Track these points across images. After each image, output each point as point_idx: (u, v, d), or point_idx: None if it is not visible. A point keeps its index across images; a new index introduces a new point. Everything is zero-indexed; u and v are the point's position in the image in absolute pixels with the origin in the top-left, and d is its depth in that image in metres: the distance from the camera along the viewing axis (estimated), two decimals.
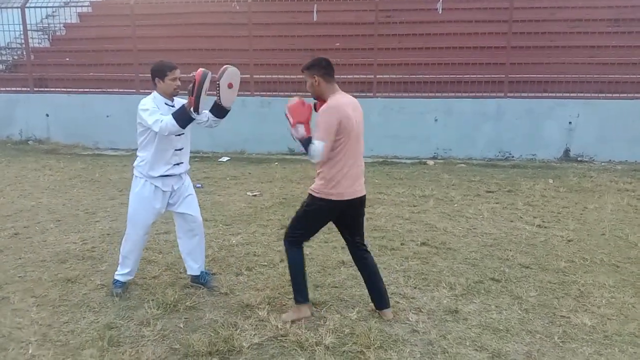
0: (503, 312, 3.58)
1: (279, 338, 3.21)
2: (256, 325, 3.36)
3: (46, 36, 12.62)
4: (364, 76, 9.56)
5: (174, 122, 3.42)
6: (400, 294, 3.83)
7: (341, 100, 3.24)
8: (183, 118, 3.44)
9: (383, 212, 5.86)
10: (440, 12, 10.73)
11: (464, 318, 3.48)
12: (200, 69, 3.47)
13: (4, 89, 10.84)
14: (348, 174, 3.26)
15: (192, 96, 3.41)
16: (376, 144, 9.10)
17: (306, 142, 3.20)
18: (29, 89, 10.59)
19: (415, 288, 3.94)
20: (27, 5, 10.52)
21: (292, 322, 3.37)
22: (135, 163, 3.74)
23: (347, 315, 3.48)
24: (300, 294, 3.44)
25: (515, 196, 6.56)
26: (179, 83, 3.63)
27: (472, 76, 9.32)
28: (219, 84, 3.53)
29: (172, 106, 3.64)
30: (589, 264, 4.42)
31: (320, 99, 3.30)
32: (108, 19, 12.18)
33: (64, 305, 3.66)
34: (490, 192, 6.78)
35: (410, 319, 3.46)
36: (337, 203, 3.27)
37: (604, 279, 4.10)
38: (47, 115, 10.29)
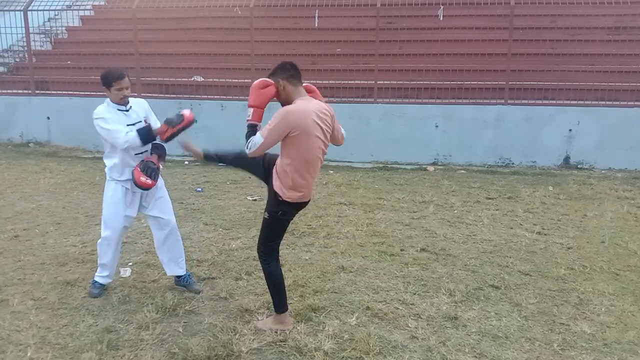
0: (502, 319, 3.57)
1: (277, 343, 3.21)
2: (255, 330, 3.35)
3: (48, 39, 12.64)
4: (365, 82, 9.58)
5: (137, 139, 3.54)
6: (399, 300, 3.83)
7: (304, 106, 3.07)
8: (147, 139, 3.60)
9: (383, 217, 5.86)
10: (441, 19, 10.76)
11: (464, 325, 3.48)
12: (191, 114, 3.65)
13: (5, 91, 10.86)
14: (301, 180, 3.13)
15: (172, 128, 3.58)
16: (376, 149, 9.12)
17: (250, 127, 3.09)
18: (30, 91, 10.61)
19: (414, 294, 3.94)
20: (30, 8, 10.56)
21: (269, 330, 3.32)
22: (106, 168, 3.78)
23: (347, 321, 3.48)
24: (281, 304, 3.36)
25: (515, 203, 6.57)
26: (125, 93, 3.62)
27: (472, 83, 9.35)
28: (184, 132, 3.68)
29: (126, 111, 3.67)
30: (588, 271, 4.42)
31: (287, 104, 3.14)
32: (110, 23, 12.20)
33: (63, 308, 3.66)
34: (490, 198, 6.78)
35: (410, 325, 3.45)
36: (293, 206, 3.22)
37: (603, 286, 4.10)
38: (48, 118, 10.31)
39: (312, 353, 3.09)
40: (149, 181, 3.61)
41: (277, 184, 3.18)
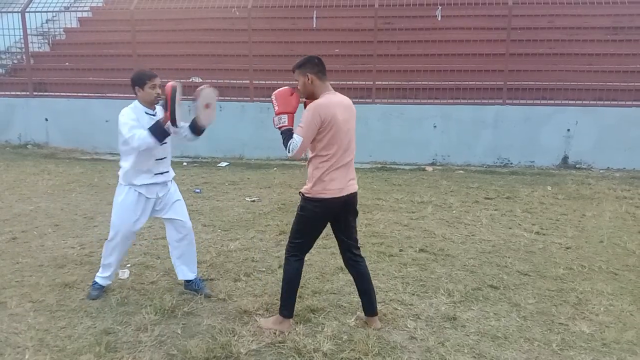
0: (501, 319, 3.57)
1: (276, 344, 3.21)
2: (254, 332, 3.35)
3: (46, 41, 12.63)
4: (363, 82, 9.58)
5: (150, 138, 3.46)
6: (398, 300, 3.83)
7: (332, 100, 3.16)
8: (159, 133, 3.49)
9: (381, 218, 5.86)
10: (439, 19, 10.77)
11: (462, 325, 3.48)
12: (169, 83, 3.48)
13: (3, 93, 10.84)
14: (337, 172, 3.17)
15: (166, 111, 3.47)
16: (375, 150, 9.12)
17: (286, 133, 3.15)
18: (28, 93, 10.60)
19: (413, 295, 3.94)
20: (28, 10, 10.54)
21: (267, 329, 3.33)
22: (119, 172, 3.75)
23: (345, 322, 3.47)
24: (287, 308, 3.36)
25: (513, 203, 6.57)
26: (159, 91, 3.62)
27: (470, 83, 9.36)
28: (196, 105, 3.58)
29: (154, 115, 3.65)
30: (587, 271, 4.42)
31: (312, 99, 3.21)
32: (108, 24, 12.19)
33: (61, 311, 3.65)
34: (488, 198, 6.79)
35: (409, 326, 3.45)
36: (329, 202, 3.19)
37: (602, 286, 4.10)
38: (46, 119, 10.29)
39: (311, 354, 3.09)
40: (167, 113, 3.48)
41: (309, 181, 3.22)
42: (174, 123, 3.50)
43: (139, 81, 3.60)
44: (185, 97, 3.55)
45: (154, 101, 3.65)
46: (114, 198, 3.78)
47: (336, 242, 3.46)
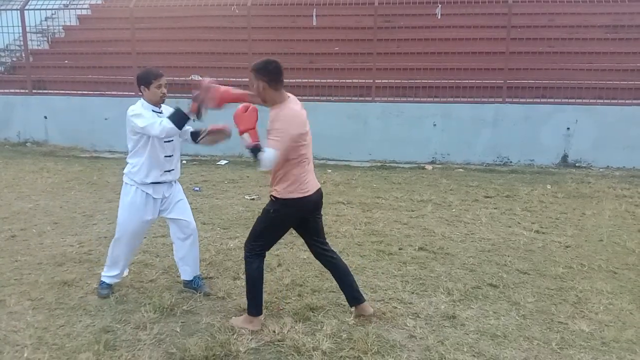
0: (501, 318, 3.57)
1: (275, 343, 3.21)
2: (253, 330, 3.34)
3: (45, 38, 12.60)
4: (363, 80, 9.57)
5: (170, 123, 3.42)
6: (397, 299, 3.82)
7: (296, 109, 3.17)
8: (179, 118, 3.44)
9: (381, 216, 5.85)
10: (439, 18, 10.74)
11: (462, 324, 3.48)
12: (209, 79, 3.46)
13: (2, 91, 10.81)
14: (305, 174, 3.21)
15: (196, 102, 3.40)
16: (374, 148, 9.11)
17: (254, 150, 3.09)
18: (27, 91, 10.58)
19: (412, 293, 3.94)
20: (27, 7, 10.52)
21: (238, 327, 3.34)
22: (126, 170, 3.72)
23: (345, 320, 3.47)
24: (255, 307, 3.37)
25: (513, 202, 6.57)
26: (164, 90, 3.61)
27: (470, 81, 9.34)
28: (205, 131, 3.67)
29: (160, 113, 3.63)
30: (586, 270, 4.42)
31: (266, 102, 3.21)
32: (107, 22, 12.16)
33: (60, 309, 3.64)
34: (488, 197, 6.78)
35: (408, 324, 3.45)
36: (305, 201, 3.22)
37: (601, 285, 4.10)
38: (45, 117, 10.27)
39: (310, 352, 3.09)
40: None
41: (279, 185, 3.21)
42: (199, 116, 3.46)
43: (144, 80, 3.58)
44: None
45: (159, 101, 3.63)
46: (120, 197, 3.75)
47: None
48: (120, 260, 3.83)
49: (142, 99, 3.65)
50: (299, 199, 3.20)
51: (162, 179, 3.70)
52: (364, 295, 3.57)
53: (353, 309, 3.54)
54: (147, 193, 3.68)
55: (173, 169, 3.77)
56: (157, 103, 3.65)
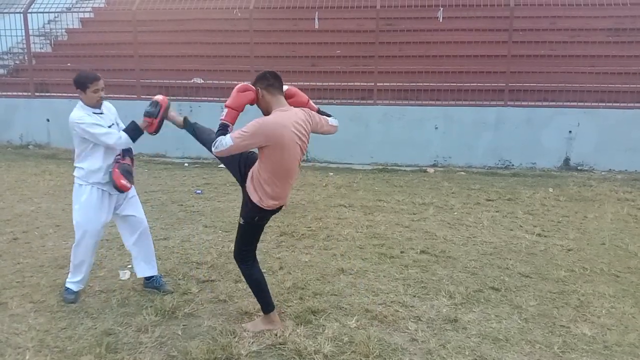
0: (503, 321, 3.56)
1: (277, 346, 3.20)
2: (255, 333, 3.34)
3: (48, 41, 12.65)
4: (365, 84, 9.58)
5: (128, 138, 3.58)
6: (399, 302, 3.82)
7: (282, 118, 3.07)
8: (137, 136, 3.62)
9: (383, 219, 5.85)
10: (440, 21, 10.76)
11: (464, 327, 3.47)
12: (163, 96, 3.63)
13: (5, 93, 10.86)
14: (277, 188, 3.16)
15: (155, 118, 3.57)
16: (376, 151, 9.12)
17: (221, 127, 3.08)
18: (30, 93, 10.61)
19: (414, 296, 3.93)
20: (30, 10, 10.57)
21: (257, 332, 3.34)
22: (77, 173, 3.70)
23: (346, 324, 3.47)
24: (267, 304, 3.39)
25: (515, 205, 6.56)
26: (101, 94, 3.62)
27: (472, 84, 9.34)
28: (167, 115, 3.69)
29: (101, 113, 3.65)
30: (588, 273, 4.41)
31: (267, 113, 3.17)
32: (110, 25, 12.20)
33: (61, 311, 3.65)
34: (490, 200, 6.77)
35: (410, 328, 3.44)
36: (269, 212, 3.26)
37: (604, 288, 4.09)
38: (48, 120, 10.30)
39: (312, 356, 3.08)
40: (129, 185, 3.64)
41: (253, 194, 3.20)
42: (155, 132, 3.64)
43: (81, 84, 3.58)
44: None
45: (96, 104, 3.64)
46: (74, 200, 3.73)
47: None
48: (84, 264, 3.79)
49: (80, 102, 3.64)
50: (263, 209, 3.22)
51: None
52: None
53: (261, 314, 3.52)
54: (102, 190, 3.68)
55: None
56: (95, 106, 3.64)
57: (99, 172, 3.64)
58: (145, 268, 3.92)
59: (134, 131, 3.61)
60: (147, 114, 3.59)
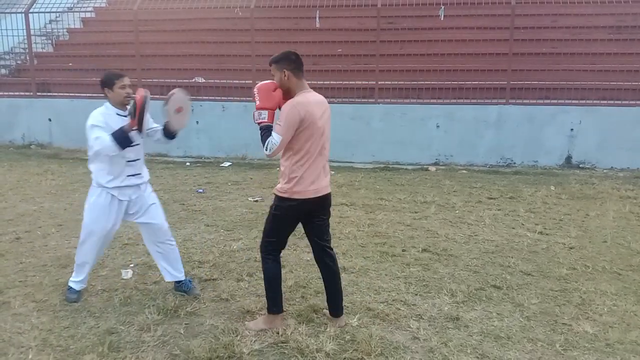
0: (504, 319, 3.56)
1: (279, 344, 3.21)
2: (257, 332, 3.35)
3: (49, 41, 12.67)
4: (366, 82, 9.58)
5: (112, 143, 3.43)
6: (401, 300, 3.82)
7: (309, 99, 3.14)
8: (121, 140, 3.46)
9: (384, 218, 5.85)
10: (442, 19, 10.75)
11: (465, 325, 3.47)
12: (141, 90, 3.47)
13: (7, 93, 10.88)
14: (309, 172, 3.16)
15: (133, 119, 3.45)
16: (378, 150, 9.12)
17: (265, 129, 3.10)
18: (31, 93, 10.63)
19: (416, 295, 3.93)
20: (31, 10, 10.58)
21: (260, 330, 3.33)
22: (92, 174, 3.70)
23: (348, 322, 3.47)
24: (275, 304, 3.37)
25: (517, 203, 6.55)
26: (129, 91, 3.60)
27: (473, 82, 9.33)
28: (167, 109, 3.54)
29: (125, 116, 3.61)
30: (590, 271, 4.41)
31: (287, 96, 3.18)
32: (111, 25, 12.22)
33: (64, 310, 3.66)
34: (491, 198, 6.77)
35: (411, 326, 3.44)
36: (304, 202, 3.20)
37: (605, 286, 4.09)
38: (50, 120, 10.32)
39: (314, 354, 3.09)
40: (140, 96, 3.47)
41: (283, 184, 3.20)
42: (139, 131, 3.52)
43: (108, 82, 3.57)
44: (159, 98, 3.54)
45: (123, 101, 3.62)
46: (86, 199, 3.75)
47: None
48: (86, 265, 3.79)
49: (106, 103, 3.63)
50: (293, 199, 3.19)
51: (126, 183, 3.66)
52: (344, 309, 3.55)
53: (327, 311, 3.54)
54: (112, 195, 3.66)
55: (139, 173, 3.74)
56: (122, 104, 3.62)
57: (106, 175, 3.61)
58: (173, 273, 3.89)
59: (119, 137, 3.45)
60: (129, 114, 3.55)
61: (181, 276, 3.92)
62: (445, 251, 4.83)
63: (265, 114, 3.11)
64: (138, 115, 3.43)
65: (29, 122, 10.45)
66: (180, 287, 3.92)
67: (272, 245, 3.35)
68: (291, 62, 3.16)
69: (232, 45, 10.85)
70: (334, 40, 10.75)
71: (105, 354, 3.09)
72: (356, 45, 10.60)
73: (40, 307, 3.70)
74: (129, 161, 3.65)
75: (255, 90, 3.19)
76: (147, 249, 3.95)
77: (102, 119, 3.54)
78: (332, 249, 3.47)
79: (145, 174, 3.82)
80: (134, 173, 3.70)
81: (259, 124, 3.13)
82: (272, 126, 3.11)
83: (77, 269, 3.82)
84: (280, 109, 3.18)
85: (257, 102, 3.14)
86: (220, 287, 4.04)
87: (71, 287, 3.83)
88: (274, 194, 3.29)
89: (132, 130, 3.48)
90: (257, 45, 9.83)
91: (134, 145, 3.60)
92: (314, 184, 3.19)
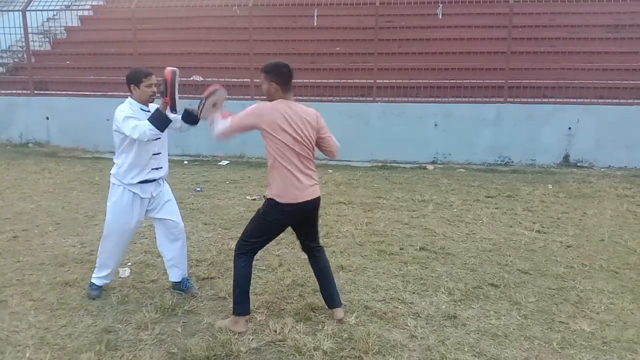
0: (502, 317, 3.57)
1: (276, 343, 3.21)
2: (254, 330, 3.35)
3: (47, 39, 12.63)
4: (364, 81, 9.58)
5: (151, 126, 3.41)
6: (398, 299, 3.83)
7: (275, 105, 3.17)
8: (160, 121, 3.43)
9: (382, 216, 5.86)
10: (440, 17, 10.75)
11: (463, 323, 3.48)
12: (169, 68, 3.42)
13: (4, 91, 10.85)
14: (291, 179, 3.19)
15: (166, 96, 3.41)
16: (376, 148, 9.12)
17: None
18: (29, 91, 10.61)
19: (413, 293, 3.94)
20: (29, 8, 10.55)
21: (224, 329, 3.33)
22: (113, 170, 3.71)
23: (346, 320, 3.47)
24: (241, 306, 3.35)
25: (514, 201, 6.56)
26: (154, 89, 3.61)
27: (471, 81, 9.34)
28: (205, 98, 3.47)
29: (149, 111, 3.62)
30: (588, 269, 4.42)
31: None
32: (109, 23, 12.20)
33: (61, 309, 3.65)
34: (489, 197, 6.78)
35: (409, 324, 3.45)
36: (289, 207, 3.22)
37: (602, 284, 4.10)
38: (47, 118, 10.30)
39: (311, 352, 3.09)
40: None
41: (269, 189, 3.26)
42: (173, 109, 3.45)
43: (135, 79, 3.57)
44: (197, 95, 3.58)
45: (149, 99, 3.63)
46: (108, 197, 3.76)
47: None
48: (110, 260, 3.80)
49: (130, 98, 3.63)
50: (283, 204, 3.21)
51: (150, 176, 3.67)
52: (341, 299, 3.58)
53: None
54: (134, 193, 3.66)
55: (161, 167, 3.76)
56: (146, 102, 3.64)
57: (131, 170, 3.61)
58: (178, 273, 3.90)
59: (157, 118, 3.42)
60: (160, 94, 3.50)
61: (184, 275, 3.93)
62: (443, 249, 4.83)
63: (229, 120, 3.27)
64: (170, 91, 3.40)
65: (27, 121, 10.42)
66: (178, 285, 3.92)
67: (250, 246, 3.35)
68: (281, 75, 3.20)
69: (230, 44, 10.83)
70: (332, 39, 10.75)
71: (103, 353, 3.08)
72: (354, 44, 10.59)
73: (37, 305, 3.70)
74: (153, 154, 3.66)
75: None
76: (158, 247, 3.93)
77: (131, 110, 3.54)
78: (320, 246, 3.55)
79: (166, 167, 3.83)
80: (158, 167, 3.72)
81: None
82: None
83: (99, 264, 3.84)
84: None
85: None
86: (217, 285, 4.04)
87: (93, 283, 3.85)
88: (264, 197, 3.32)
89: (166, 107, 3.44)
90: (255, 44, 9.82)
91: (156, 139, 3.59)
92: (296, 189, 3.22)
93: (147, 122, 3.41)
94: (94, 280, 3.86)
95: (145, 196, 3.71)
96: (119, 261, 3.98)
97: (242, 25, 10.33)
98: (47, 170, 8.19)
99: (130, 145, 3.59)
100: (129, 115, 3.49)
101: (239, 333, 3.29)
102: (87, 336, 3.29)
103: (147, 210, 3.78)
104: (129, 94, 3.65)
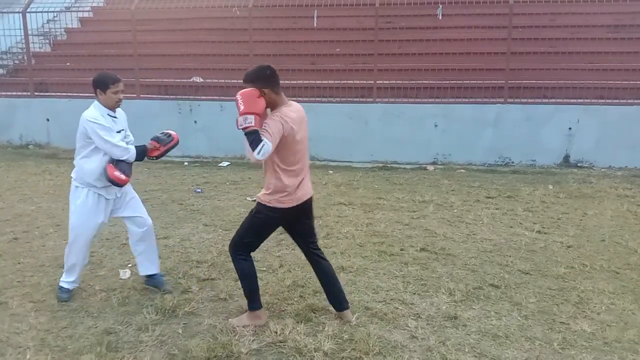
0: (502, 318, 3.57)
1: (277, 344, 3.21)
2: (255, 331, 3.35)
3: (47, 41, 12.63)
4: (364, 82, 9.57)
5: (133, 156, 3.63)
6: (399, 299, 3.82)
7: (291, 115, 3.16)
8: (142, 157, 3.72)
9: (382, 217, 5.86)
10: (440, 18, 10.76)
11: (463, 324, 3.47)
12: (176, 134, 3.89)
13: (4, 93, 10.85)
14: (294, 180, 3.23)
15: (163, 146, 3.78)
16: (376, 149, 9.11)
17: (253, 135, 3.01)
18: (29, 93, 10.61)
19: (414, 294, 3.93)
20: (29, 10, 10.56)
21: (244, 327, 3.36)
22: (74, 174, 3.70)
23: (346, 321, 3.47)
24: (254, 301, 3.42)
25: (515, 202, 6.56)
26: (121, 97, 3.61)
27: (472, 82, 9.34)
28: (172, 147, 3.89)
29: (115, 117, 3.65)
30: (588, 270, 4.41)
31: (271, 110, 3.22)
32: (109, 24, 12.20)
33: (62, 311, 3.65)
34: (490, 197, 6.78)
35: (409, 325, 3.45)
36: (286, 210, 3.25)
37: (603, 285, 4.10)
38: (48, 119, 10.30)
39: (312, 353, 3.09)
40: (123, 176, 3.58)
41: (267, 194, 3.26)
42: (158, 158, 3.84)
43: (102, 85, 3.56)
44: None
45: (115, 105, 3.65)
46: (70, 201, 3.74)
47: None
48: (77, 265, 3.81)
49: (96, 102, 3.62)
50: (277, 208, 3.23)
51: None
52: (349, 303, 3.58)
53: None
54: (99, 194, 3.68)
55: None
56: (112, 107, 3.64)
57: (94, 173, 3.62)
58: (149, 266, 3.94)
59: (141, 153, 3.68)
60: (157, 139, 3.75)
61: (155, 270, 3.96)
62: (444, 250, 4.83)
63: (251, 118, 3.05)
64: (166, 150, 3.81)
65: (27, 122, 10.42)
66: (151, 281, 3.95)
67: (246, 246, 3.40)
68: (267, 79, 3.14)
69: (230, 45, 10.83)
70: (332, 40, 10.75)
71: (104, 354, 3.08)
72: (354, 45, 10.59)
73: (38, 307, 3.70)
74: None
75: (238, 96, 3.11)
76: (130, 244, 3.97)
77: (103, 118, 3.57)
78: (318, 248, 3.53)
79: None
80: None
81: (244, 129, 3.06)
82: (259, 131, 3.06)
83: (67, 269, 3.83)
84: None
85: (242, 108, 3.06)
86: (218, 286, 4.04)
87: (62, 287, 3.84)
88: (258, 202, 3.32)
89: (151, 153, 3.75)
90: (255, 45, 9.81)
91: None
92: (295, 192, 3.24)
93: (134, 153, 3.62)
94: (63, 285, 3.84)
95: (110, 197, 3.73)
96: (87, 261, 3.97)
97: (242, 27, 10.32)
98: (48, 172, 8.19)
99: (95, 152, 3.60)
100: (108, 127, 3.56)
101: (257, 327, 3.35)
102: (87, 338, 3.29)
103: (112, 210, 3.81)
104: (95, 97, 3.64)
